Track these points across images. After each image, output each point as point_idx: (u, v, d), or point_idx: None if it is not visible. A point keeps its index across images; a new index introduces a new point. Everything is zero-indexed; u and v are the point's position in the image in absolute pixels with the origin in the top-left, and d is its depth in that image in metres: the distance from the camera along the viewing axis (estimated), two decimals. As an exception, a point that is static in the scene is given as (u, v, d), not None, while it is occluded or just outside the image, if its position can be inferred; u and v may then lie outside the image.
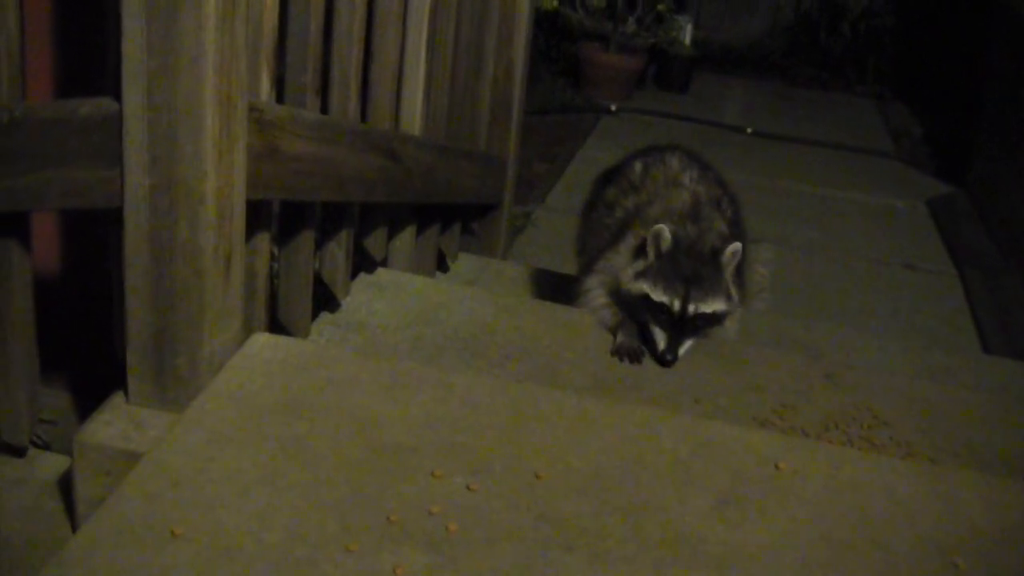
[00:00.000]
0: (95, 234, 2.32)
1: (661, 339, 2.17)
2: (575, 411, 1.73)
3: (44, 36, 2.18)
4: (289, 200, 1.93)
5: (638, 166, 2.52)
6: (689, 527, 1.47)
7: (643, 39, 7.02)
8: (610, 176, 2.61)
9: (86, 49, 2.20)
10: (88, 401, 2.04)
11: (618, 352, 2.19)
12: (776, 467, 1.63)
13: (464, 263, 3.17)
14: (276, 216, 2.03)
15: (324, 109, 2.08)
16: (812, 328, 3.19)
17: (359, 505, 1.43)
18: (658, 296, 2.15)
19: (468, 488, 1.49)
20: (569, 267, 2.79)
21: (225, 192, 1.58)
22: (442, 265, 3.09)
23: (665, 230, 2.14)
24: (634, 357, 2.18)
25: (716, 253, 2.18)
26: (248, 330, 1.77)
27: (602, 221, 2.49)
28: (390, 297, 2.36)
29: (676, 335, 2.16)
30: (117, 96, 1.54)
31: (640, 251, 2.20)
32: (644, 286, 2.17)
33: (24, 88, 1.75)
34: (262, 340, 1.77)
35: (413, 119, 2.49)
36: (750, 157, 6.07)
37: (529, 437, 1.64)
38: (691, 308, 2.14)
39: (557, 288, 2.80)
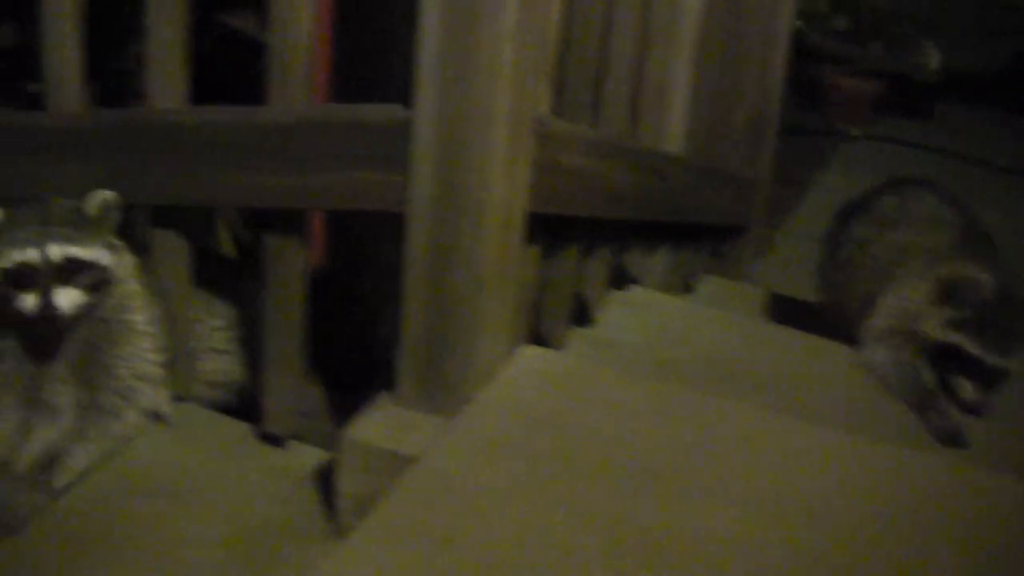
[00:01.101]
0: (355, 235, 2.40)
1: (971, 389, 2.06)
2: (837, 448, 1.67)
3: (325, 40, 2.26)
4: (558, 214, 1.93)
5: (890, 200, 2.40)
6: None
7: (886, 64, 6.79)
8: (856, 209, 2.48)
9: (362, 55, 2.28)
10: (342, 397, 2.09)
11: (945, 438, 2.01)
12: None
13: (707, 285, 3.11)
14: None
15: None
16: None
17: (624, 526, 1.41)
18: (978, 351, 2.03)
19: (738, 520, 1.44)
20: (807, 294, 2.72)
21: (508, 203, 1.60)
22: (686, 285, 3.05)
23: (988, 280, 2.04)
24: (961, 443, 2.01)
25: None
26: (515, 341, 1.78)
27: (855, 260, 2.38)
28: (642, 316, 2.34)
29: (987, 386, 2.06)
30: (406, 103, 1.56)
31: (946, 296, 2.08)
32: (961, 339, 2.05)
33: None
34: (530, 352, 1.77)
35: (675, 138, 2.48)
36: (993, 193, 5.78)
37: (794, 471, 1.58)
38: (1011, 365, 2.04)
39: (798, 315, 2.72)
